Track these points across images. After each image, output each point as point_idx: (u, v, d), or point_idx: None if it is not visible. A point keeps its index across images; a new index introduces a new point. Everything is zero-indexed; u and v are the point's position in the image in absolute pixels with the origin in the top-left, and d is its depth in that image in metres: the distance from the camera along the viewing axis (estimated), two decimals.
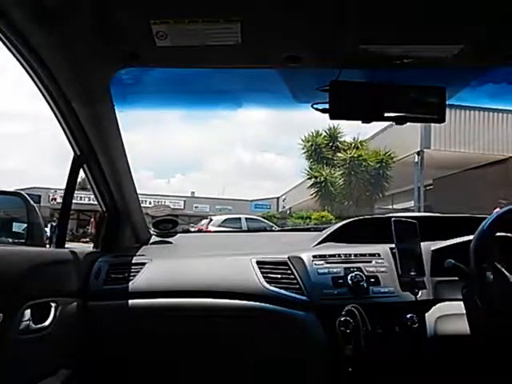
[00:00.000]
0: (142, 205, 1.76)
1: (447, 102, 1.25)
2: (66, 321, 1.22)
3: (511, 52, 1.16)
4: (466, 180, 10.37)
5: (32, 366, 1.11)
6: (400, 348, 1.30)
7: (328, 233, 1.70)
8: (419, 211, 11.27)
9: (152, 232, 1.87)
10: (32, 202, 1.44)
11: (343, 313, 1.26)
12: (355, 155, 14.81)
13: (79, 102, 1.23)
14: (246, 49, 1.12)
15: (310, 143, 16.19)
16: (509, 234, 1.34)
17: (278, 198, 23.45)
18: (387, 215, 1.72)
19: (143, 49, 1.14)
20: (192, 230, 12.56)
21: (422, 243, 1.43)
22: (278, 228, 7.51)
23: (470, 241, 1.24)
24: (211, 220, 11.91)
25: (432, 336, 1.30)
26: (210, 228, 10.59)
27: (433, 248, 1.45)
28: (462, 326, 1.26)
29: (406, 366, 1.30)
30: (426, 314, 1.33)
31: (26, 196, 1.45)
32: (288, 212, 20.27)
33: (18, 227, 1.47)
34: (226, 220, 11.57)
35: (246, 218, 12.29)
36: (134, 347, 1.38)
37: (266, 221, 12.89)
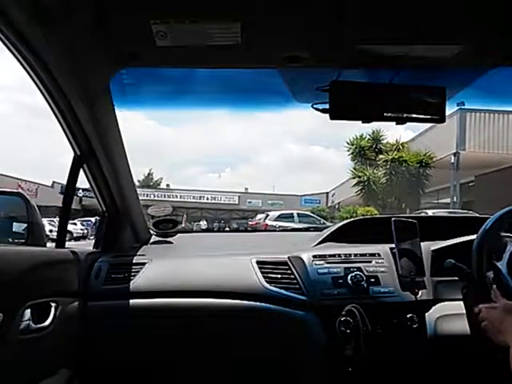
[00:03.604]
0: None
1: (447, 102, 1.25)
2: (65, 321, 1.22)
3: (511, 52, 1.16)
4: (507, 176, 10.62)
5: (32, 366, 1.11)
6: (400, 348, 1.30)
7: (328, 233, 1.70)
8: (455, 208, 12.01)
9: (152, 232, 1.87)
10: (32, 202, 1.43)
11: (343, 313, 1.26)
12: (396, 156, 15.93)
13: (79, 102, 1.23)
14: (246, 49, 1.12)
15: (355, 146, 17.53)
16: (511, 234, 1.34)
17: (327, 193, 24.10)
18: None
19: (143, 49, 1.14)
20: (250, 223, 13.55)
21: (421, 243, 1.43)
22: (328, 223, 7.60)
23: (470, 241, 1.23)
24: (267, 215, 12.59)
25: (432, 336, 1.30)
26: (267, 222, 11.31)
27: (433, 248, 1.45)
28: (462, 326, 1.25)
29: (406, 366, 1.30)
30: (426, 314, 1.33)
31: (26, 196, 1.45)
32: (336, 207, 21.16)
33: (18, 227, 1.46)
34: (280, 215, 12.21)
35: (298, 214, 12.97)
36: (133, 347, 1.38)
37: (316, 216, 13.49)
